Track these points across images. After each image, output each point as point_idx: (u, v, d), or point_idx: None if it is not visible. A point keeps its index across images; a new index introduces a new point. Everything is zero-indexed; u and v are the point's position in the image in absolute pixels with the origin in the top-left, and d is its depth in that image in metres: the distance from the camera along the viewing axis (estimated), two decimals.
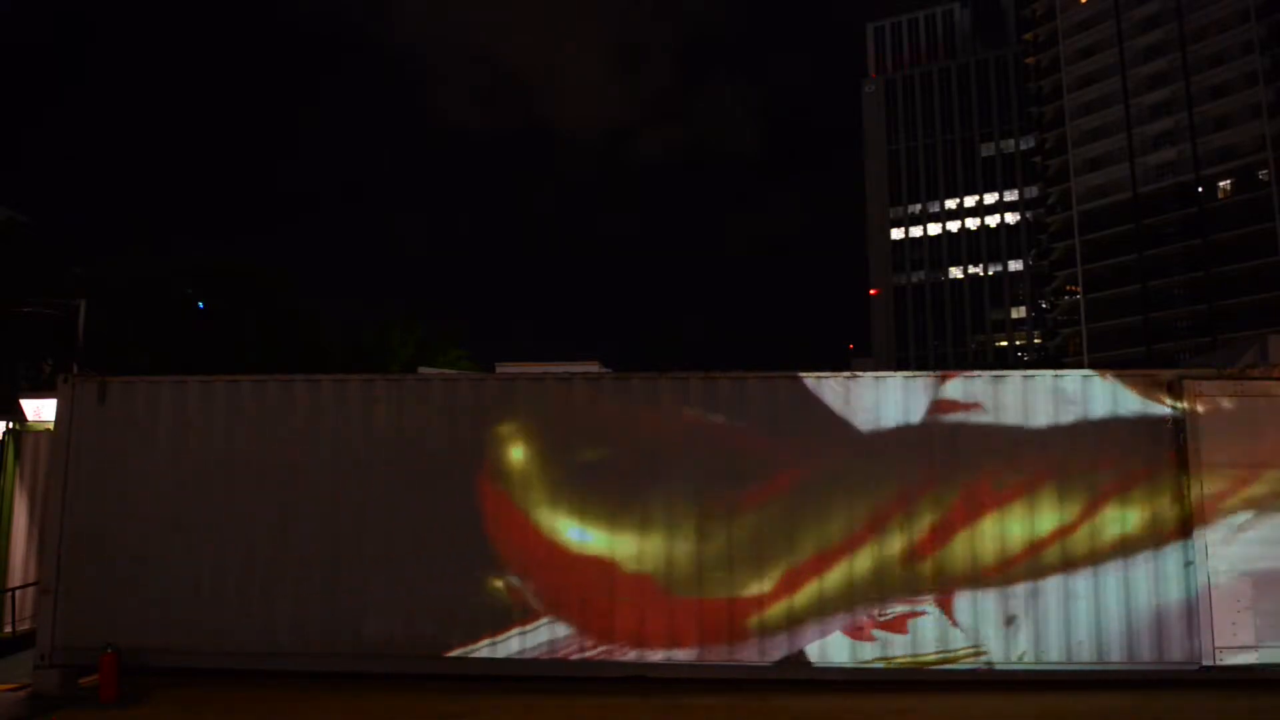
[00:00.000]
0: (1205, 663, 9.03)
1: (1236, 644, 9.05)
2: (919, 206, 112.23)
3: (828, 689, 9.20)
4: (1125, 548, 9.33)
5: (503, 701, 8.99)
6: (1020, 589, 9.30)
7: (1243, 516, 9.25)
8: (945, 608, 9.31)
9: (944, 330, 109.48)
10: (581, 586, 9.44)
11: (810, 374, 9.74)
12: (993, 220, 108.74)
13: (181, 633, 9.67)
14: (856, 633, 9.29)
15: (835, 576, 9.34)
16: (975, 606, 9.30)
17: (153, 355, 34.03)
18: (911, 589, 9.33)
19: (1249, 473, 9.31)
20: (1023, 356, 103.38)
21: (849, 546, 9.38)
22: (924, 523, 9.43)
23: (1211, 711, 8.56)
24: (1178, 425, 9.43)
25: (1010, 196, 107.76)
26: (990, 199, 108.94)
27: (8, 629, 12.00)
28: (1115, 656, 9.17)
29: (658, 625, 9.36)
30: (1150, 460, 9.45)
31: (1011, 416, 9.57)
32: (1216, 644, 9.03)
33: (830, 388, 9.66)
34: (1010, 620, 9.26)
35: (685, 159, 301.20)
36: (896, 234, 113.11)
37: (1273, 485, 9.31)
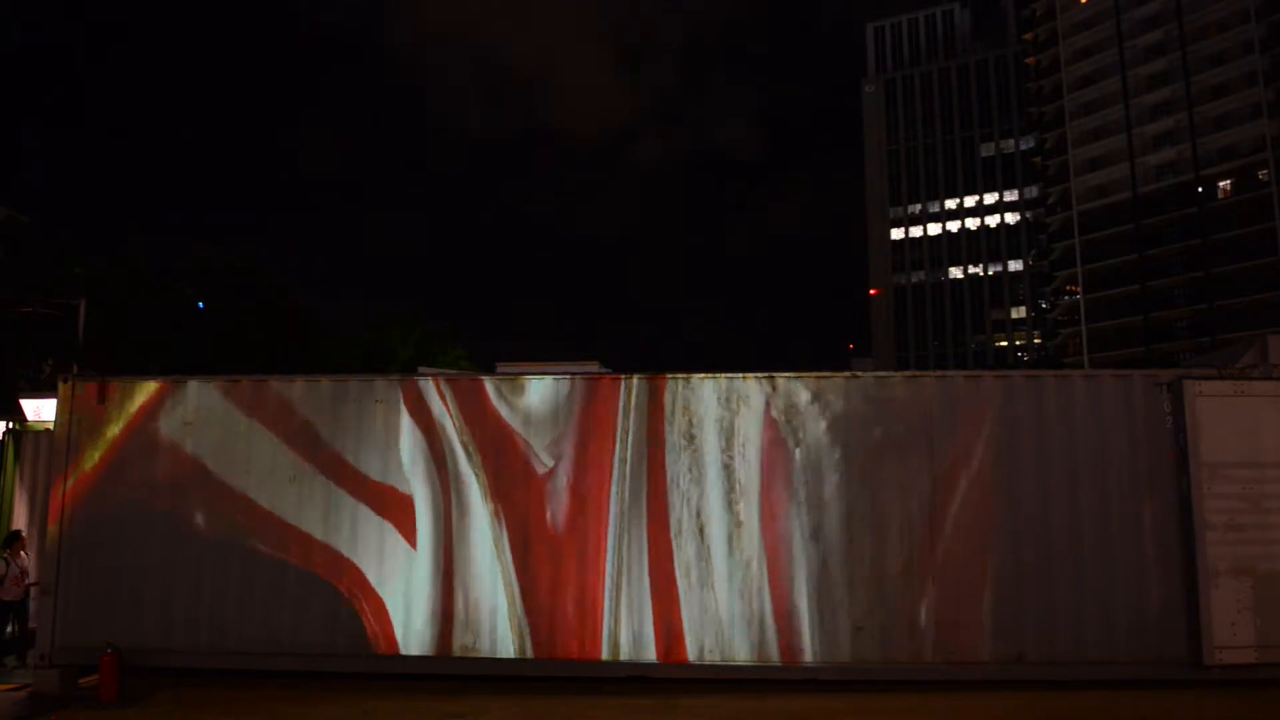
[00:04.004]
0: (1205, 662, 9.02)
1: (1236, 644, 9.05)
2: (919, 206, 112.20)
3: (828, 689, 9.21)
4: (1126, 547, 9.33)
5: (502, 702, 8.99)
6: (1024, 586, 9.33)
7: (1243, 516, 9.25)
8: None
9: (944, 330, 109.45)
10: None
11: None
12: (993, 220, 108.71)
13: (181, 632, 9.68)
14: None
15: None
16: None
17: (153, 355, 34.00)
18: None
19: (1249, 472, 9.31)
20: (1023, 356, 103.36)
21: None
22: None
23: (1211, 711, 8.56)
24: (1178, 425, 9.43)
25: (1010, 196, 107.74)
26: (990, 199, 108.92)
27: (8, 629, 12.00)
28: (1117, 655, 9.17)
29: None
30: (1151, 460, 9.46)
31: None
32: (1216, 644, 9.03)
33: None
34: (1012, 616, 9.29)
35: (685, 159, 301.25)
36: (896, 234, 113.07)
37: (1272, 485, 9.32)
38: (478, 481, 9.76)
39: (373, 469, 9.86)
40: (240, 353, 37.28)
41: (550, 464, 9.72)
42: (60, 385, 10.31)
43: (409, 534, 9.71)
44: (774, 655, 9.33)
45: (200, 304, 40.53)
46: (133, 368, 28.60)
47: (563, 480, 9.71)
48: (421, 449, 9.85)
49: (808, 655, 9.31)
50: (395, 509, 9.76)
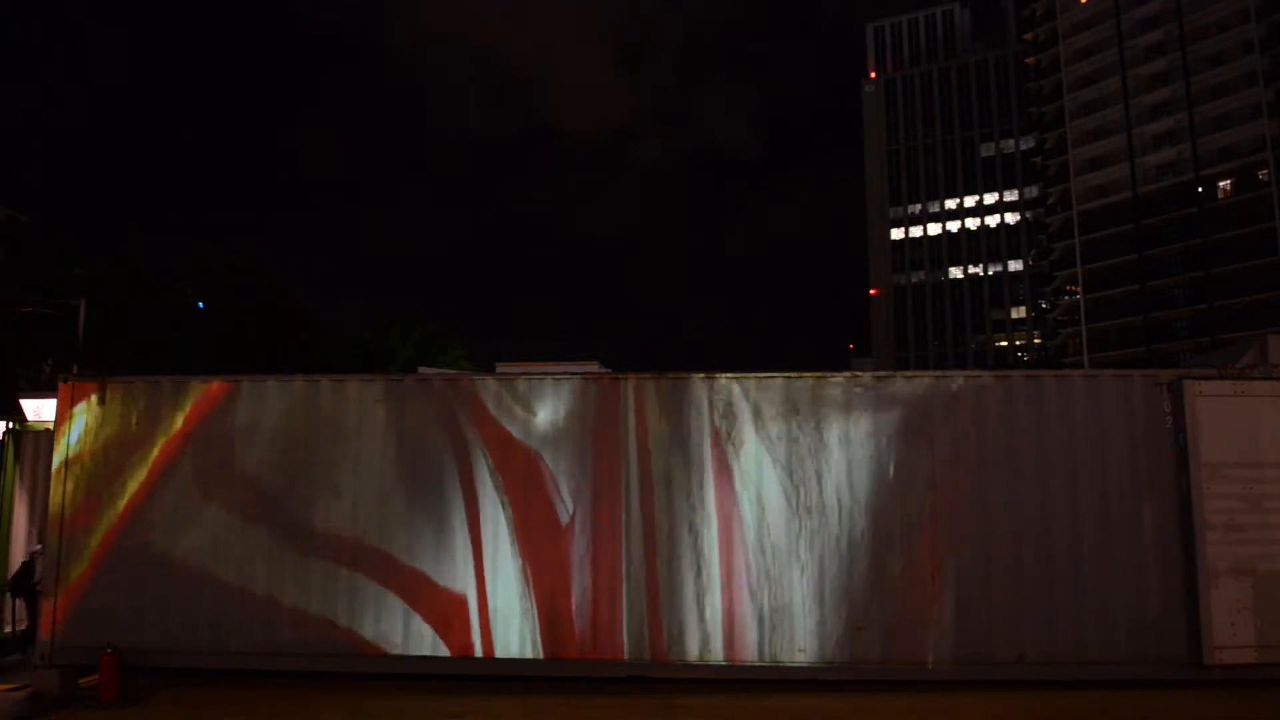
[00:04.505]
0: (1205, 662, 9.02)
1: (1236, 644, 9.05)
2: (919, 206, 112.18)
3: (828, 689, 9.20)
4: (1126, 547, 9.33)
5: (502, 701, 8.99)
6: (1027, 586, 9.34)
7: (1243, 516, 9.25)
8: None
9: (944, 330, 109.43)
10: None
11: None
12: (993, 220, 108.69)
13: (181, 632, 9.67)
14: None
15: None
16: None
17: (153, 355, 34.00)
18: None
19: (1249, 472, 9.31)
20: (1023, 356, 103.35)
21: None
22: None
23: (1211, 711, 8.55)
24: (1178, 425, 9.43)
25: (1010, 196, 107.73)
26: (990, 199, 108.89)
27: (8, 629, 11.99)
28: (1117, 655, 9.17)
29: None
30: (1151, 460, 9.46)
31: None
32: (1216, 644, 9.03)
33: None
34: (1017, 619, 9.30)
35: (685, 159, 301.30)
36: (896, 234, 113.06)
37: (1272, 485, 9.32)
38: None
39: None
40: (240, 353, 37.29)
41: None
42: (60, 385, 10.28)
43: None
44: (779, 655, 9.33)
45: (200, 304, 40.54)
46: (132, 368, 28.60)
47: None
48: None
49: (809, 655, 9.31)
50: None
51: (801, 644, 9.33)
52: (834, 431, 9.65)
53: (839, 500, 9.53)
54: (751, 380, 9.79)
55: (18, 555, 12.35)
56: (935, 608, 9.29)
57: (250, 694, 9.29)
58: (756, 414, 9.70)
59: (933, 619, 9.28)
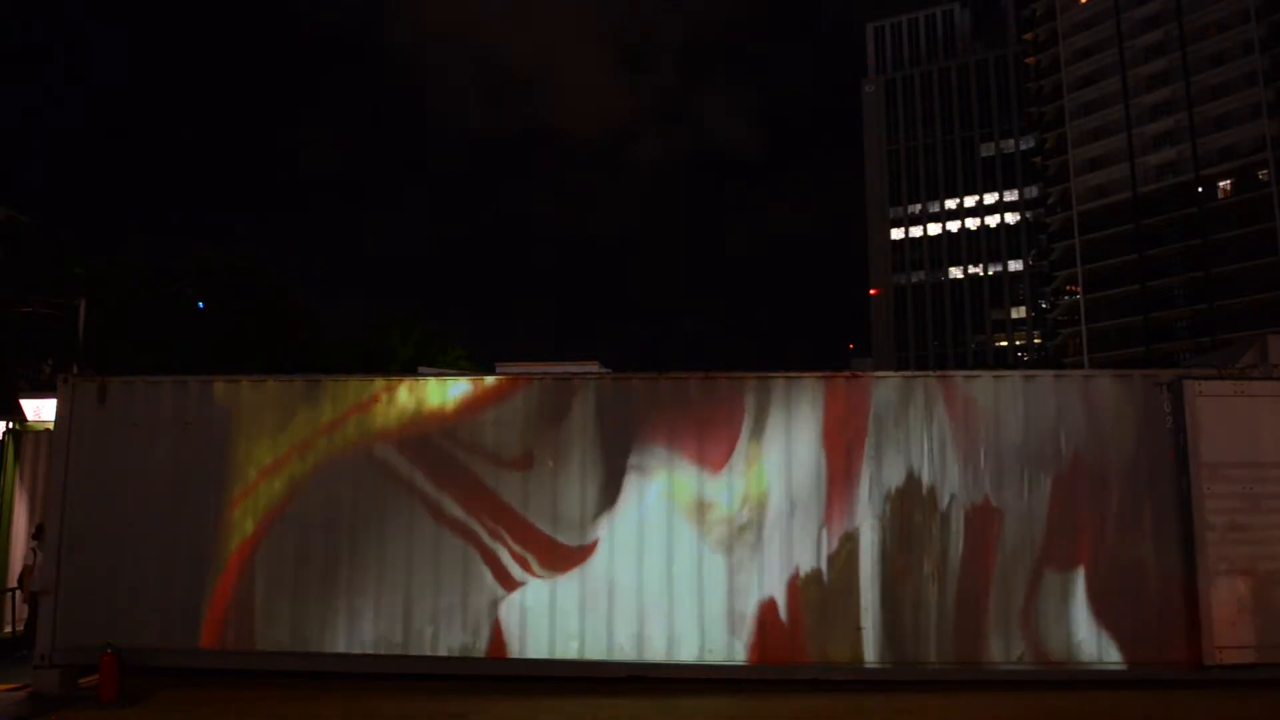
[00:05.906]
0: (1205, 662, 9.02)
1: (1236, 644, 9.04)
2: (919, 206, 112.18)
3: (827, 689, 9.21)
4: (1125, 548, 9.33)
5: (503, 702, 8.99)
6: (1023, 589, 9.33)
7: (1242, 516, 9.25)
8: None
9: (944, 330, 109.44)
10: None
11: None
12: (993, 220, 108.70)
13: (181, 632, 9.67)
14: None
15: None
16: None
17: (153, 355, 34.01)
18: None
19: (1248, 472, 9.30)
20: (1023, 356, 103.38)
21: None
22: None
23: (1211, 711, 8.55)
24: (1177, 425, 9.43)
25: (1010, 196, 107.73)
26: (990, 199, 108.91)
27: (8, 629, 12.01)
28: (1115, 656, 9.17)
29: None
30: (1150, 460, 9.46)
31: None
32: (1216, 644, 9.02)
33: None
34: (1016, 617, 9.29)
35: (685, 159, 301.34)
36: (896, 234, 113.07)
37: (1273, 485, 9.31)
38: None
39: None
40: (240, 353, 37.30)
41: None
42: (60, 385, 10.26)
43: None
44: (784, 656, 9.33)
45: (200, 304, 40.55)
46: (132, 368, 28.57)
47: None
48: None
49: (810, 656, 9.31)
50: None
51: (802, 644, 9.32)
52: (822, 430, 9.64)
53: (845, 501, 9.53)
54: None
55: (18, 555, 12.37)
56: (936, 607, 9.29)
57: (250, 694, 9.30)
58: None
59: (934, 619, 9.28)
